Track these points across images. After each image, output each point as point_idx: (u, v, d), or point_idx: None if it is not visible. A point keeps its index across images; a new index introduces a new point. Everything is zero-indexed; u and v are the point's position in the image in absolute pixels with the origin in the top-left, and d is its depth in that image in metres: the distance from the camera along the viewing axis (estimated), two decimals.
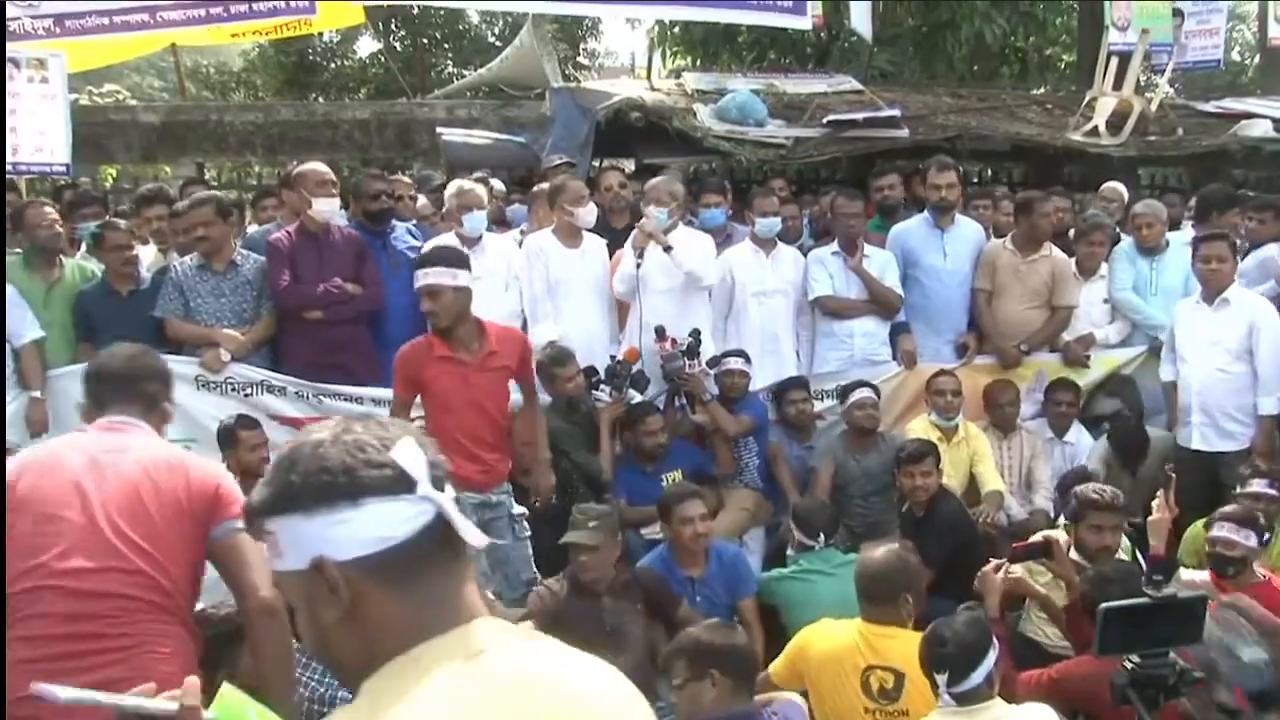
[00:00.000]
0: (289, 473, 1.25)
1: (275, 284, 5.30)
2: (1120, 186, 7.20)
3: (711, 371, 5.50)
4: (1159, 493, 4.31)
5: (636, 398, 5.36)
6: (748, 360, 5.60)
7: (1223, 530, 3.98)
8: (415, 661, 1.20)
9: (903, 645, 3.46)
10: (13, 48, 8.08)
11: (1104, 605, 2.42)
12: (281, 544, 1.26)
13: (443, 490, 1.25)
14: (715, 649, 3.17)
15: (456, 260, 4.36)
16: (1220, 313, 5.37)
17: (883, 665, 3.44)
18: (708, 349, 5.57)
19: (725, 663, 3.14)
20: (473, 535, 1.27)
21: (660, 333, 5.36)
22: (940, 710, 3.02)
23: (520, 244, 5.89)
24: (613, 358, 5.46)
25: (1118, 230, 6.62)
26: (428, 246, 5.09)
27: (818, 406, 5.84)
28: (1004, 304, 6.03)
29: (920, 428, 5.54)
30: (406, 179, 7.63)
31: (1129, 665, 2.40)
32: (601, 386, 5.35)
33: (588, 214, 5.70)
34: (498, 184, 7.69)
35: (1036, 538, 4.17)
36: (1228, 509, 4.12)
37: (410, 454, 1.25)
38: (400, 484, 1.23)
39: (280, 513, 1.25)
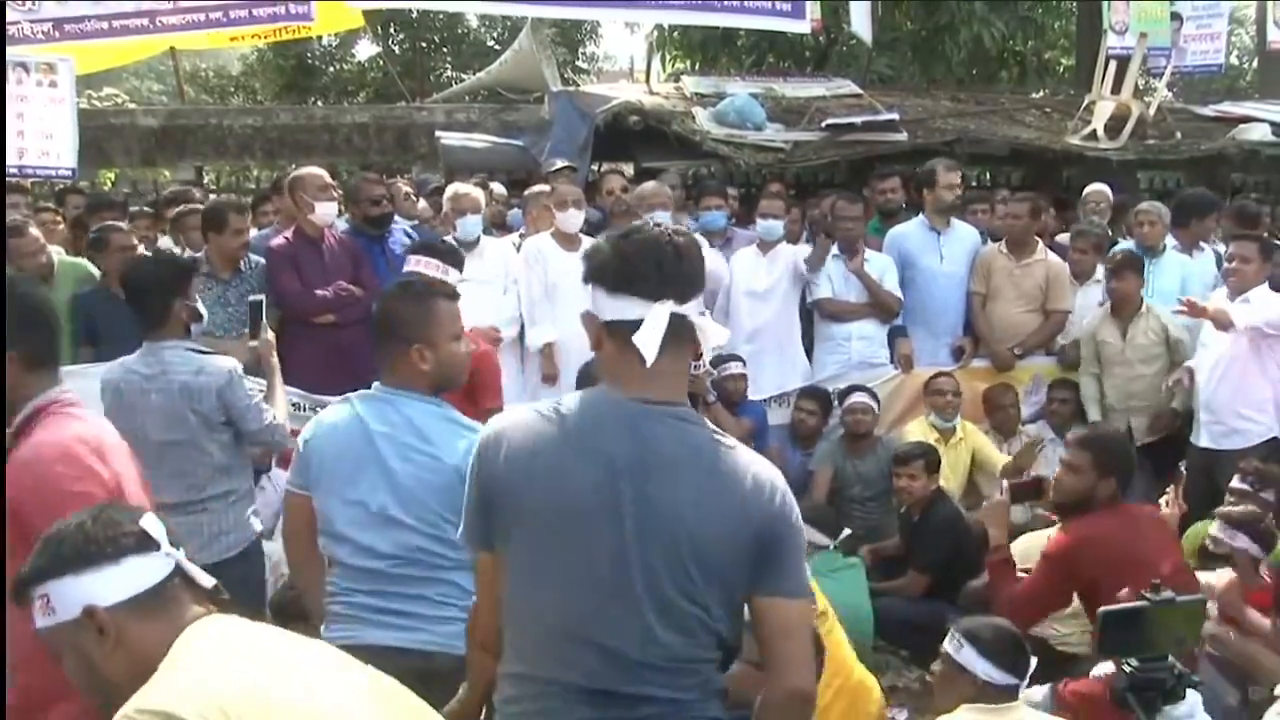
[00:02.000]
0: (58, 546, 1.67)
1: (285, 290, 5.24)
2: (1105, 188, 7.20)
3: (715, 373, 5.51)
4: (1169, 489, 4.34)
5: None
6: (745, 364, 5.62)
7: (1213, 528, 4.05)
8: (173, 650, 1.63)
9: None
10: (17, 51, 8.10)
11: (1103, 609, 2.43)
12: (54, 603, 1.66)
13: (178, 549, 1.73)
14: None
15: (450, 258, 4.19)
16: (1239, 310, 5.26)
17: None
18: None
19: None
20: (203, 578, 1.76)
21: None
22: (968, 709, 3.01)
23: (518, 247, 5.89)
24: None
25: (1109, 232, 6.63)
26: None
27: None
28: (999, 307, 6.04)
29: (919, 430, 5.55)
30: (403, 182, 7.62)
31: (1128, 669, 2.40)
32: None
33: (570, 220, 5.65)
34: (498, 188, 7.69)
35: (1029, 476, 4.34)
36: (1229, 509, 4.13)
37: (153, 524, 1.72)
38: (149, 544, 1.70)
39: (52, 577, 1.66)
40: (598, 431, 1.94)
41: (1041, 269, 5.98)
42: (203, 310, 3.81)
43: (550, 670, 1.93)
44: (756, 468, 1.99)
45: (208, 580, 1.77)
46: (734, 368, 5.59)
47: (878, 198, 6.66)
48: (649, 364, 1.91)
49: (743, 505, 1.93)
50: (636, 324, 1.92)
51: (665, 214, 5.58)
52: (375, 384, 2.82)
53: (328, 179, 5.51)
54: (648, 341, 1.91)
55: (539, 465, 1.94)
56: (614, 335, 1.97)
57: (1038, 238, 6.18)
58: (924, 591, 4.80)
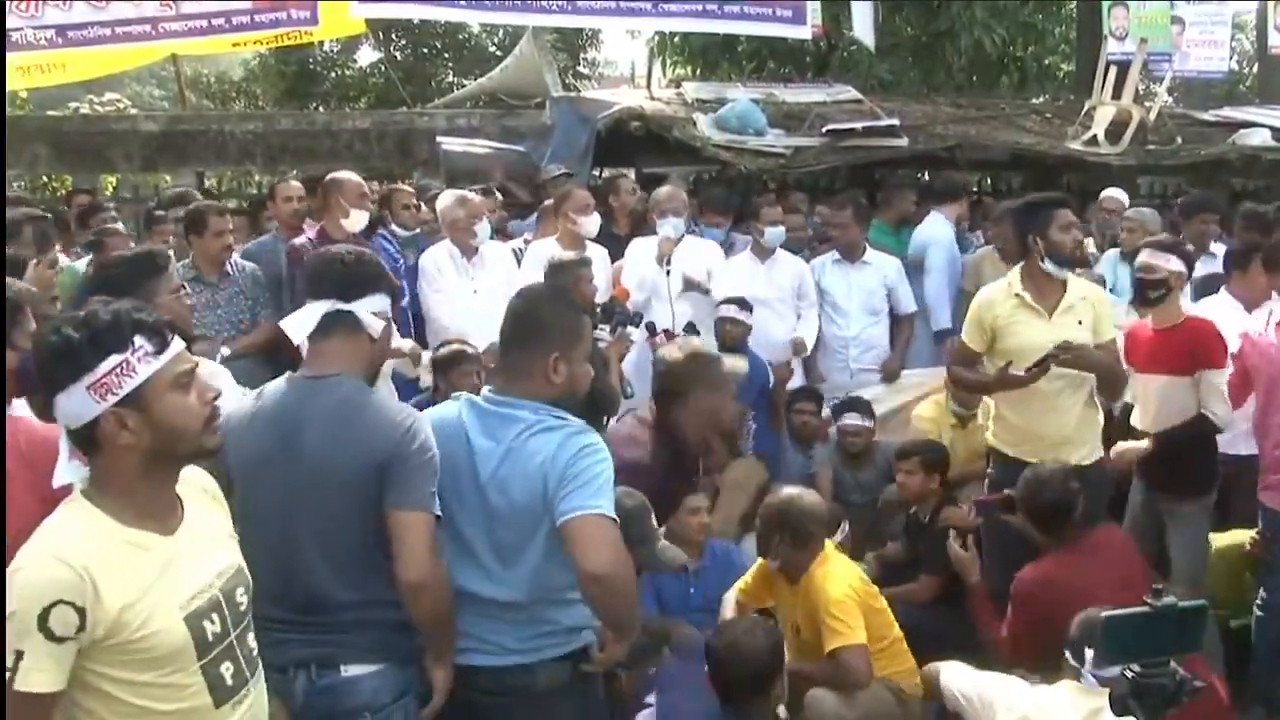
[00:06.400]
0: None
1: None
2: (1121, 194, 7.17)
3: (631, 337, 5.37)
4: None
5: (634, 334, 5.21)
6: (745, 307, 5.54)
7: (1143, 256, 4.27)
8: None
9: None
10: (18, 57, 8.12)
11: (1105, 614, 2.42)
12: None
13: None
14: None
15: None
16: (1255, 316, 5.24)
17: None
18: None
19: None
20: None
21: (651, 329, 5.31)
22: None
23: (515, 253, 5.89)
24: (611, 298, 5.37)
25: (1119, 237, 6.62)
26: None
27: None
28: None
29: (932, 409, 5.52)
30: (408, 187, 7.58)
31: (1129, 675, 2.40)
32: (600, 326, 5.07)
33: (591, 223, 5.71)
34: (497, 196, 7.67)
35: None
36: (1154, 238, 4.51)
37: None
38: None
39: None
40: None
41: None
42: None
43: None
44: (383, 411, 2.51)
45: None
46: (726, 310, 5.50)
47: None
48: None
49: (367, 440, 2.44)
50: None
51: (679, 219, 5.61)
52: (487, 389, 2.72)
53: (365, 188, 5.49)
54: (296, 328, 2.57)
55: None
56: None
57: None
58: (934, 596, 4.78)
